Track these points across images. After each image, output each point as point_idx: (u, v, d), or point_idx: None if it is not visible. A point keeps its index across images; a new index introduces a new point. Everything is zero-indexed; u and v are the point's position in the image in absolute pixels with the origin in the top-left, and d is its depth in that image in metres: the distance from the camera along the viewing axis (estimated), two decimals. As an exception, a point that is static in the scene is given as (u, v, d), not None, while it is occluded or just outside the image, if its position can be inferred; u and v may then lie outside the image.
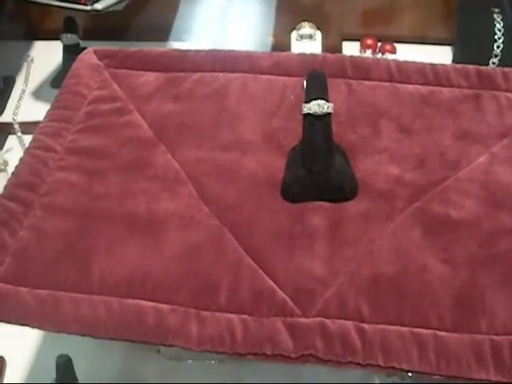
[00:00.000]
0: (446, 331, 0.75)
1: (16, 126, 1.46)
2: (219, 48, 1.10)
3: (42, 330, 0.82)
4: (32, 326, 0.79)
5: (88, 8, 1.33)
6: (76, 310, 0.78)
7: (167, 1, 1.64)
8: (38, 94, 1.57)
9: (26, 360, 1.09)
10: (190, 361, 1.05)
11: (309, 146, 0.87)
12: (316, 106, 0.85)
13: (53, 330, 0.78)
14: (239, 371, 1.03)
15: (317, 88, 0.87)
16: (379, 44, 1.47)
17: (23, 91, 1.57)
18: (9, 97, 1.57)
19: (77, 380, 0.98)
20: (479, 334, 0.75)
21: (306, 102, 0.86)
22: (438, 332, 0.75)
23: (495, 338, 0.75)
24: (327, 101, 0.86)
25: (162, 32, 1.60)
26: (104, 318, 0.78)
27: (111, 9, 1.36)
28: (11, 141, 1.47)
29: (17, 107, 1.53)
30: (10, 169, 0.95)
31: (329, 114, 0.86)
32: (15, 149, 1.42)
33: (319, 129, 0.86)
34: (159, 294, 0.79)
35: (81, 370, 0.99)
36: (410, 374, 1.00)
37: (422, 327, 0.75)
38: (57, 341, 1.04)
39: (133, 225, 0.85)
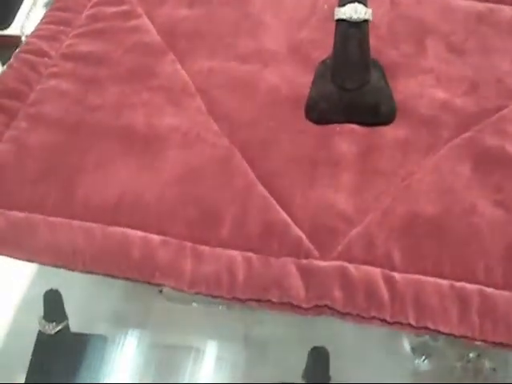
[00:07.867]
0: (495, 287, 0.65)
1: (24, 39, 1.36)
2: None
3: (13, 258, 0.72)
4: (1, 254, 0.70)
5: None
6: (52, 236, 0.71)
7: None
8: (49, 5, 1.47)
9: (14, 296, 1.02)
10: (194, 304, 0.95)
11: (341, 57, 0.77)
12: (351, 11, 0.74)
13: (24, 258, 0.70)
14: (248, 319, 0.95)
15: (354, -10, 0.77)
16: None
17: (34, 2, 1.47)
18: (18, 8, 1.47)
19: (66, 318, 0.92)
20: None
21: (340, 6, 0.75)
22: (484, 288, 0.65)
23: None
24: (365, 5, 0.74)
25: None
26: (82, 247, 0.70)
27: None
28: (18, 55, 1.38)
29: (26, 18, 1.42)
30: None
31: (366, 20, 0.75)
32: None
33: (354, 38, 0.76)
34: (150, 221, 0.71)
35: (72, 307, 0.91)
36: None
37: (465, 281, 0.65)
38: (48, 274, 0.96)
39: (129, 141, 0.78)
